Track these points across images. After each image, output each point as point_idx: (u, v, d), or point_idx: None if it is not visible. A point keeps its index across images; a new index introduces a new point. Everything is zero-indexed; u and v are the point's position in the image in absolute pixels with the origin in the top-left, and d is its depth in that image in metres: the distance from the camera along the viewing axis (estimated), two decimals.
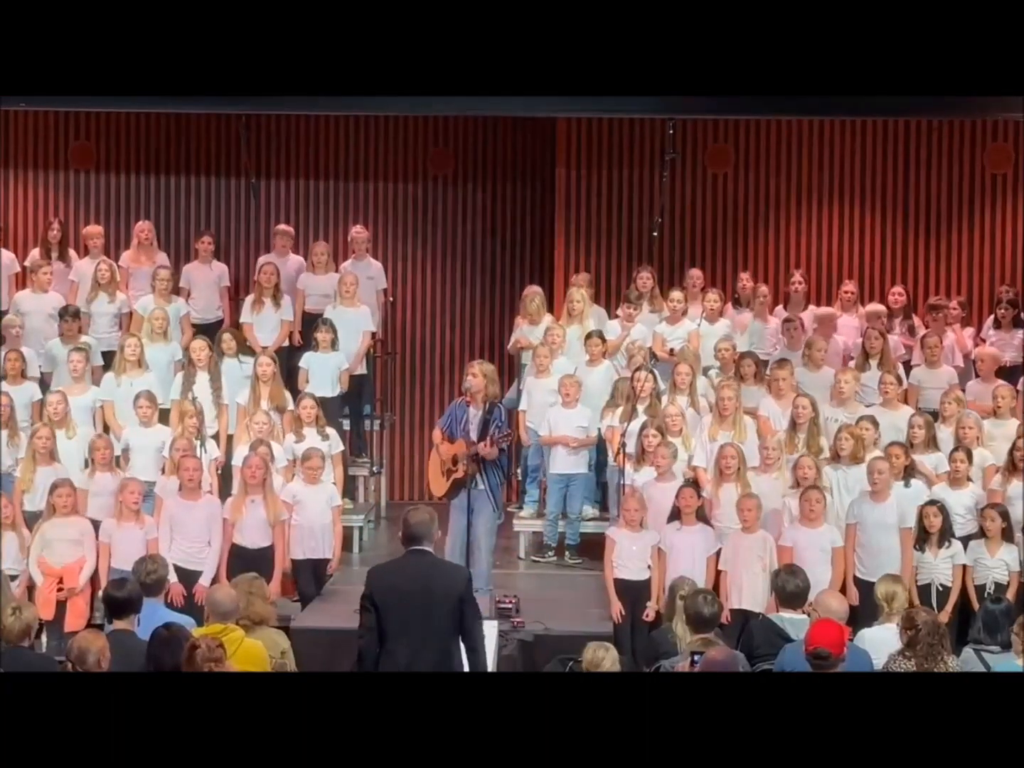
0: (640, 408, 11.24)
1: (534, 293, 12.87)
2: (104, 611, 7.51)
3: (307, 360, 12.28)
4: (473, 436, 10.15)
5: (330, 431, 11.35)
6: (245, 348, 12.24)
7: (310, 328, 12.63)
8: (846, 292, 13.12)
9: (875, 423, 10.66)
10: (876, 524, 9.90)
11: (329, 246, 13.57)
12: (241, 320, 12.89)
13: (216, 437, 11.51)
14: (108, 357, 12.26)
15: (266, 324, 12.77)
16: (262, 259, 13.43)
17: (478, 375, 10.34)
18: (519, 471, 12.61)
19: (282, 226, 13.81)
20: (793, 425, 10.80)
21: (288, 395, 11.71)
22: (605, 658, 7.22)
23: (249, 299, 12.93)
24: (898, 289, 13.11)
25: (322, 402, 11.53)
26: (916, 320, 12.85)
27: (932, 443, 10.68)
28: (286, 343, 12.87)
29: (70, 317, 12.22)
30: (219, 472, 11.18)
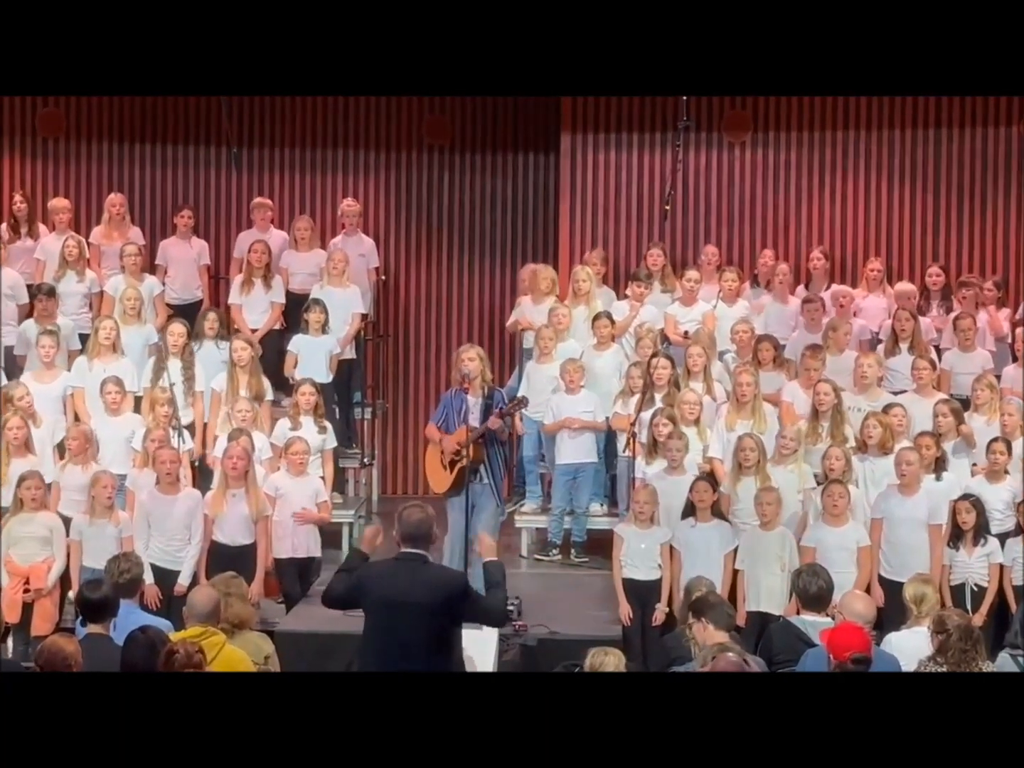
0: (658, 397, 11.21)
1: (540, 270, 12.82)
2: (77, 614, 7.47)
3: (297, 344, 12.27)
4: (476, 425, 10.15)
5: (327, 424, 11.37)
6: (225, 332, 12.21)
7: (295, 309, 12.62)
8: (872, 270, 13.07)
9: (906, 411, 10.65)
10: (904, 520, 9.89)
11: (312, 221, 13.54)
12: (229, 302, 12.91)
13: (190, 427, 11.49)
14: (82, 341, 12.25)
15: (256, 306, 12.78)
16: (245, 236, 13.41)
17: (475, 359, 10.37)
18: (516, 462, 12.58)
19: (260, 199, 13.79)
20: (815, 413, 10.77)
21: (267, 383, 11.71)
22: (606, 663, 7.22)
23: (238, 280, 12.92)
24: (935, 269, 13.00)
25: None
26: (955, 302, 12.76)
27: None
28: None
29: (44, 296, 12.19)
30: (195, 464, 11.17)
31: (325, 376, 12.14)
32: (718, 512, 10.04)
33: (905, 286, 12.88)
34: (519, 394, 11.97)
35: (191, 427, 11.50)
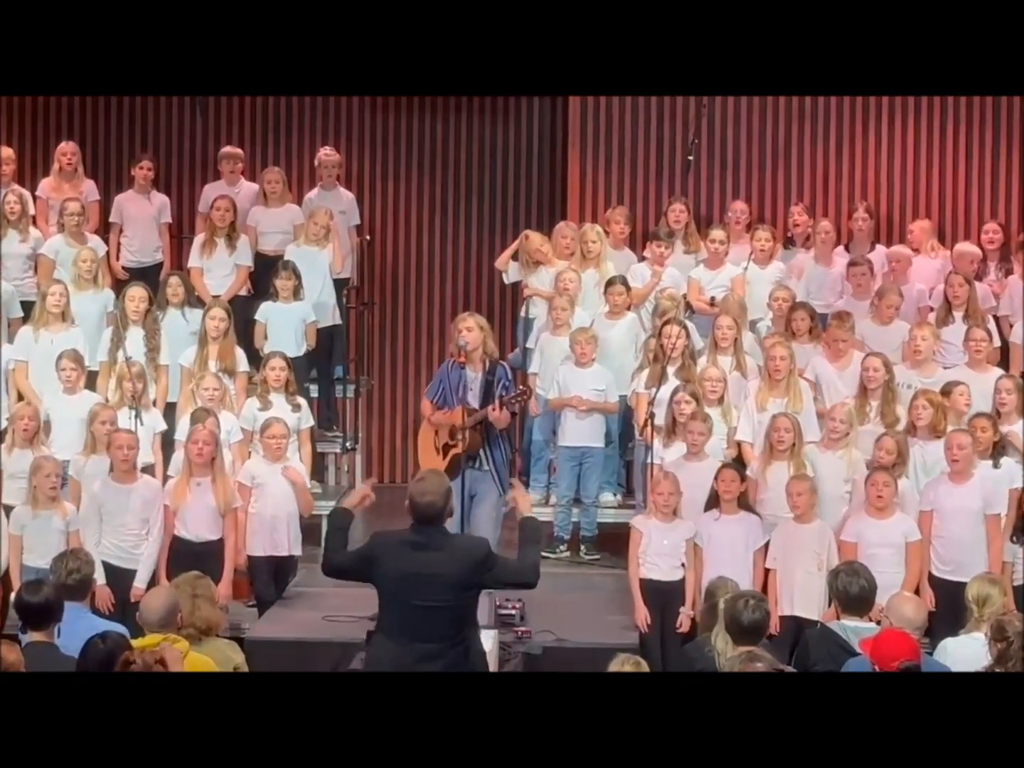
0: (671, 370, 11.15)
1: (530, 236, 12.75)
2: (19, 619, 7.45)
3: (265, 312, 12.26)
4: (475, 404, 10.13)
5: (301, 401, 11.34)
6: (192, 299, 12.15)
7: (264, 273, 12.57)
8: (912, 230, 13.04)
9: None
10: (956, 511, 9.89)
11: (283, 173, 13.48)
12: (189, 265, 12.92)
13: (155, 404, 11.45)
14: (26, 308, 12.20)
15: (218, 269, 12.78)
16: (209, 189, 13.43)
17: (474, 328, 10.35)
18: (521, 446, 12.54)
19: (229, 148, 13.80)
20: (863, 391, 10.73)
21: (240, 355, 11.65)
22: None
23: (199, 239, 12.92)
24: (993, 226, 12.96)
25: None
26: (1015, 265, 12.68)
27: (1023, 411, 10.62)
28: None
29: None
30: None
31: (297, 348, 12.12)
32: (746, 504, 9.99)
33: (966, 247, 12.74)
34: (531, 370, 11.97)
35: (156, 405, 11.47)
